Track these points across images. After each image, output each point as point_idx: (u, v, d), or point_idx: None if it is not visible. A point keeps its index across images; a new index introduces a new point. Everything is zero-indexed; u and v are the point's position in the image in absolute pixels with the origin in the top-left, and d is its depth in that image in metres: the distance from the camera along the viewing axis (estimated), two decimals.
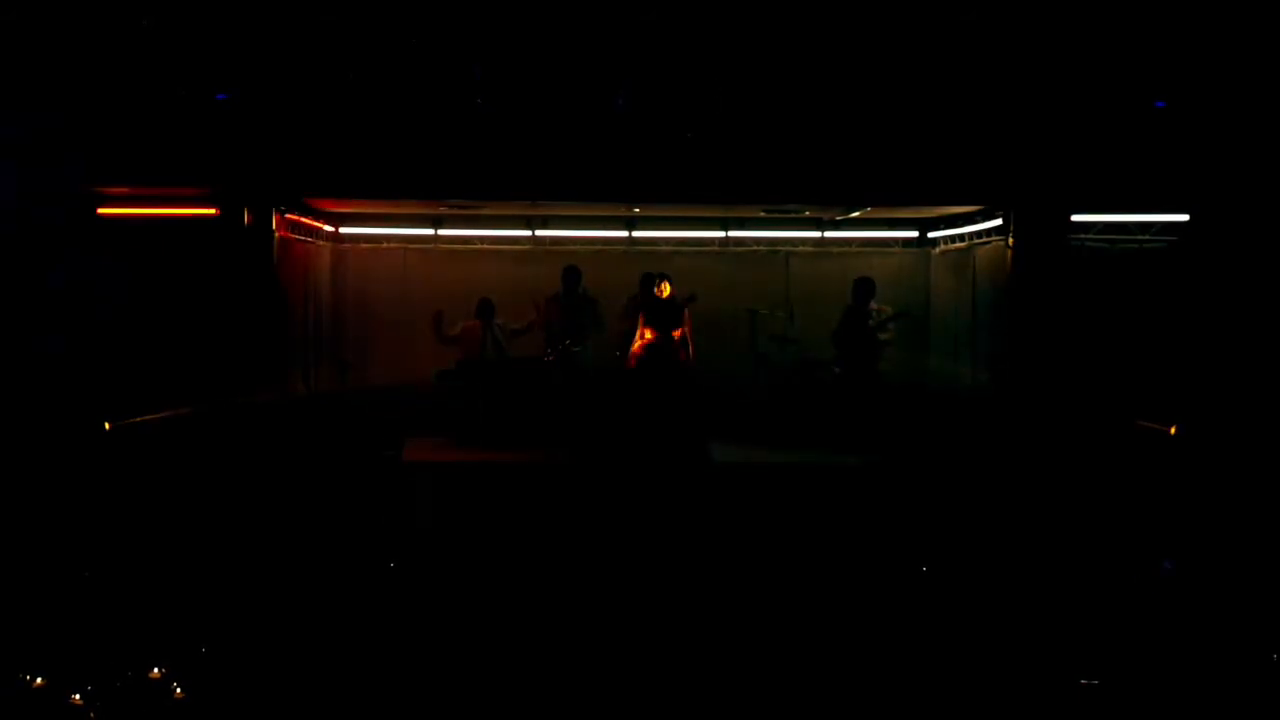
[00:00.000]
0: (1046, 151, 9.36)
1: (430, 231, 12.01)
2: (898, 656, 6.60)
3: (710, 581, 7.67)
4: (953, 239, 11.52)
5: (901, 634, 6.89)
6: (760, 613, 7.20)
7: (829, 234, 12.04)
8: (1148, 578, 7.77)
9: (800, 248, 12.21)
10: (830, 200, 10.43)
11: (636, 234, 12.02)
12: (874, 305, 10.46)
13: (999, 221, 10.05)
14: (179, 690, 6.08)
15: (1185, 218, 9.59)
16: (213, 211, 9.44)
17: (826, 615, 7.19)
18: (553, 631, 6.89)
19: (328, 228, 11.73)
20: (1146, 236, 9.83)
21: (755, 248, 12.23)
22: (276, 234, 9.88)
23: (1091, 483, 8.67)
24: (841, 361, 10.31)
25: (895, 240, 12.22)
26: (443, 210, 11.35)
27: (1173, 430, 8.73)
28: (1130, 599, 7.49)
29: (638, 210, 11.33)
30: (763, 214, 11.41)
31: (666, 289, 9.95)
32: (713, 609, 7.22)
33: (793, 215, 11.46)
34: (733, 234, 12.08)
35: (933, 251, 12.21)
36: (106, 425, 8.72)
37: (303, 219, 10.70)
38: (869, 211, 11.15)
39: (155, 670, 6.21)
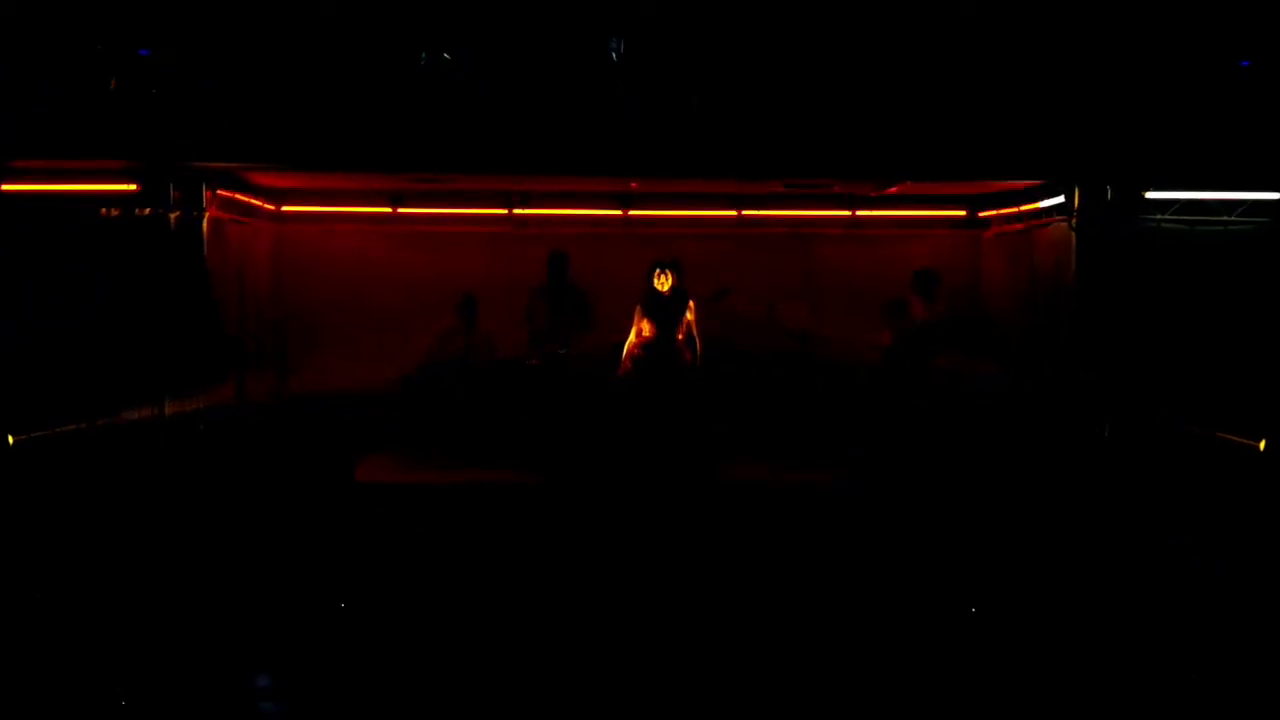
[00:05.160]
0: (1116, 119, 9.29)
1: (389, 210, 11.88)
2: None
3: (718, 623, 7.50)
4: (1007, 219, 11.48)
5: (941, 686, 6.76)
6: (779, 666, 7.08)
7: (861, 213, 11.91)
8: (1229, 613, 7.63)
9: (827, 229, 12.10)
10: (863, 174, 10.32)
11: (634, 213, 11.85)
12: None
13: (1061, 199, 10.03)
14: None
15: (1277, 196, 9.58)
16: (133, 187, 9.32)
17: (854, 668, 7.07)
18: (530, 685, 6.80)
19: (268, 206, 11.59)
20: (1231, 217, 9.78)
21: (774, 229, 12.09)
22: (207, 213, 9.80)
23: (1165, 503, 8.56)
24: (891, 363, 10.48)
25: (940, 221, 12.12)
26: (404, 185, 11.23)
27: (1261, 445, 8.72)
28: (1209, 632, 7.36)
29: (635, 186, 11.14)
30: (783, 190, 11.22)
31: (668, 279, 9.78)
32: (720, 656, 7.09)
33: (819, 192, 11.29)
34: (747, 213, 11.96)
35: (984, 234, 12.16)
36: (10, 439, 8.64)
37: (238, 195, 10.60)
38: (908, 187, 11.02)
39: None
